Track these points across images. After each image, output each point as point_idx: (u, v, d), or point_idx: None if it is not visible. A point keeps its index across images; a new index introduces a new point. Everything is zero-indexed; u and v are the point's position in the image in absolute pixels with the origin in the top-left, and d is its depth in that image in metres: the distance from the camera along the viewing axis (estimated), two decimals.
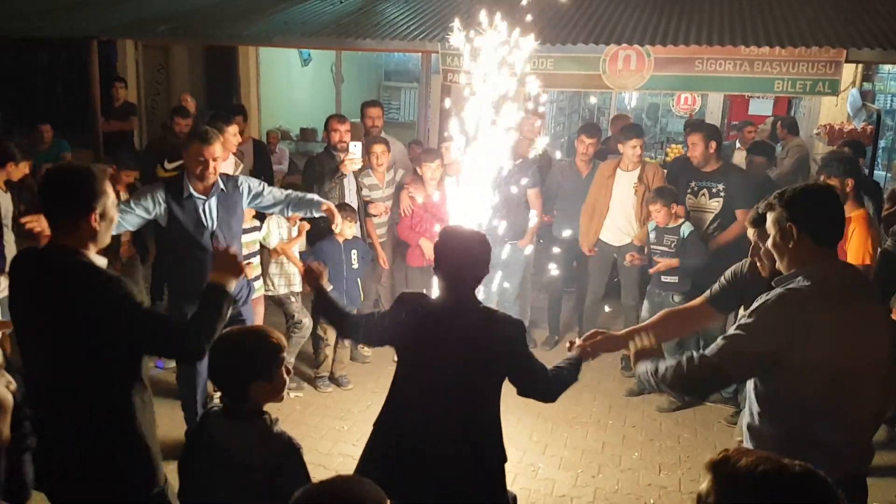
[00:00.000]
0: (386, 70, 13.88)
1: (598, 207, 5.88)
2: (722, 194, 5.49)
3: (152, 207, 4.05)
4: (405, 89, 13.75)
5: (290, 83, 12.07)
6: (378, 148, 5.80)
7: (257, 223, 5.27)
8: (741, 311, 2.92)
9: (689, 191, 5.60)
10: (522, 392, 2.93)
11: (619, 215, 5.83)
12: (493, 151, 4.27)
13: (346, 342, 5.57)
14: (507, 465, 4.51)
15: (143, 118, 10.47)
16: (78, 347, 2.47)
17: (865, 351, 2.38)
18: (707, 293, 3.25)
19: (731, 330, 2.50)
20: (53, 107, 10.92)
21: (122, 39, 9.87)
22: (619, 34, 6.40)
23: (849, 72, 8.68)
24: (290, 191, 4.59)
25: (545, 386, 2.93)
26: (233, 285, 2.73)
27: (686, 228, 5.32)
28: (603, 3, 7.36)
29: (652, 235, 5.43)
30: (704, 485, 1.51)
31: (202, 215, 4.14)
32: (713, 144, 5.50)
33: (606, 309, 6.23)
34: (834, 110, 9.73)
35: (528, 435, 4.92)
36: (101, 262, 2.60)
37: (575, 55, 6.18)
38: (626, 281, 5.95)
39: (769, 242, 2.56)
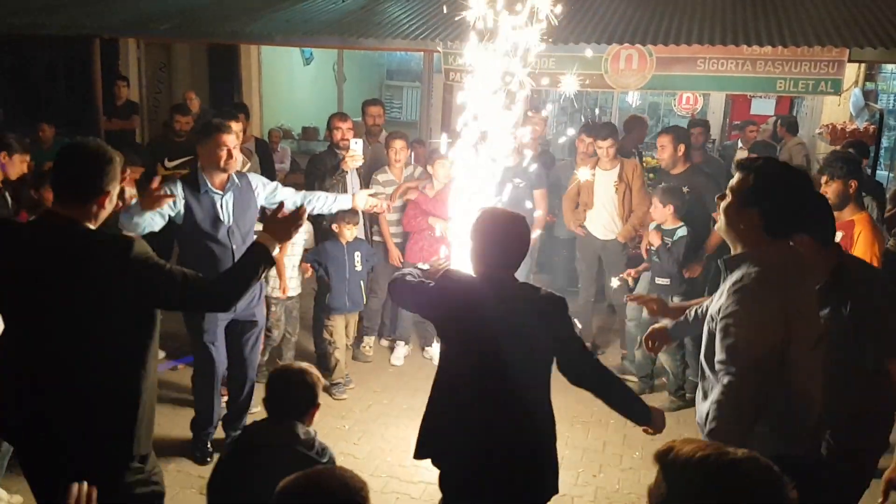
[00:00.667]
0: (388, 69, 13.91)
1: (582, 203, 5.92)
2: (686, 197, 5.52)
3: (172, 205, 4.00)
4: (407, 88, 13.79)
5: (292, 82, 12.09)
6: (398, 143, 5.75)
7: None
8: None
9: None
10: (564, 369, 2.87)
11: (603, 213, 5.85)
12: (495, 152, 4.28)
13: (348, 344, 5.57)
14: None
15: (144, 117, 10.47)
16: (99, 321, 2.50)
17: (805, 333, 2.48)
18: None
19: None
20: (55, 105, 10.94)
21: (124, 38, 9.88)
22: (621, 34, 6.40)
23: (851, 71, 8.67)
24: (303, 191, 4.61)
25: (586, 367, 2.88)
26: (277, 249, 2.83)
27: (680, 231, 5.30)
28: (605, 3, 7.36)
29: (653, 234, 5.41)
30: (653, 477, 1.53)
31: (219, 210, 4.11)
32: (681, 147, 5.55)
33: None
34: (836, 110, 9.72)
35: None
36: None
37: (577, 55, 6.17)
38: (611, 270, 5.92)
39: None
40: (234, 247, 4.13)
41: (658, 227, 5.34)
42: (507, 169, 5.46)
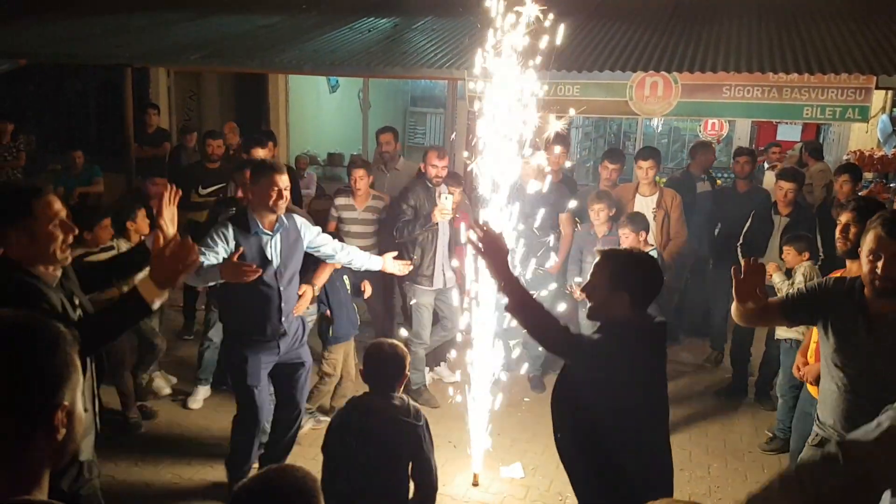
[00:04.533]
0: (412, 96, 14.03)
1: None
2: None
3: (226, 248, 3.93)
4: (431, 115, 13.89)
5: (319, 109, 12.24)
6: (358, 172, 5.80)
7: None
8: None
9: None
10: None
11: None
12: (514, 176, 4.32)
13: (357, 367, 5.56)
14: (533, 494, 4.54)
15: (174, 144, 10.65)
16: None
17: None
18: (781, 298, 3.26)
19: None
20: (86, 132, 11.16)
21: (155, 66, 10.07)
22: (646, 61, 6.42)
23: (879, 98, 8.61)
24: (344, 245, 4.57)
25: None
26: (157, 303, 2.67)
27: (652, 254, 5.31)
28: (630, 30, 7.39)
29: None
30: None
31: (268, 251, 4.06)
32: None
33: None
34: (864, 137, 9.64)
35: (555, 463, 4.84)
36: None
37: (601, 81, 6.21)
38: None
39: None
40: (281, 288, 4.11)
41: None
42: (530, 194, 5.49)
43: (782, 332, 5.05)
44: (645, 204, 5.84)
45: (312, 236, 4.36)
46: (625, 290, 2.74)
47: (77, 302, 2.79)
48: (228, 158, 7.88)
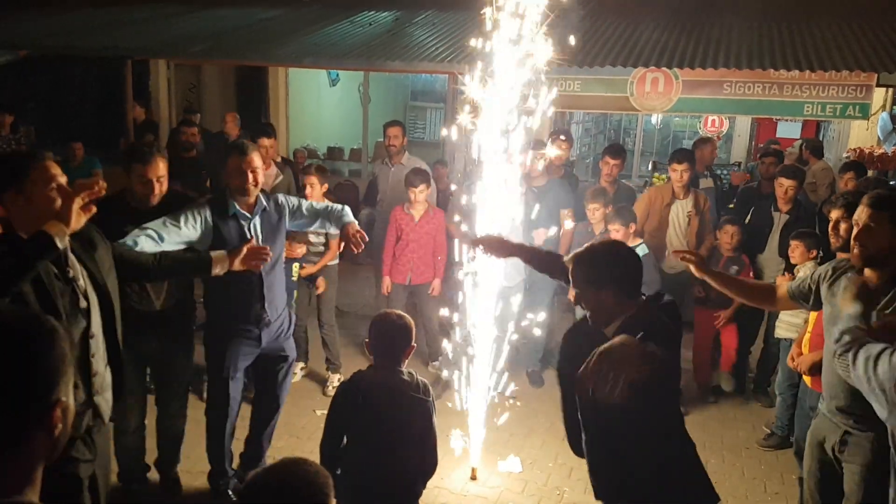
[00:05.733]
0: (412, 90, 14.04)
1: (657, 236, 5.80)
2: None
3: (199, 227, 3.77)
4: (431, 109, 13.90)
5: (319, 103, 12.24)
6: (312, 178, 5.59)
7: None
8: None
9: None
10: None
11: (676, 243, 5.78)
12: (511, 174, 4.32)
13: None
14: (531, 489, 4.55)
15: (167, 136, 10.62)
16: None
17: None
18: (790, 283, 3.39)
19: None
20: (85, 124, 11.13)
21: (155, 59, 10.05)
22: (647, 57, 6.42)
23: (879, 95, 8.61)
24: (327, 203, 4.36)
25: None
26: (63, 240, 2.59)
27: (640, 251, 5.29)
28: (630, 26, 7.39)
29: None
30: None
31: (247, 234, 3.90)
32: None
33: None
34: (864, 134, 9.64)
35: (552, 457, 4.88)
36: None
37: (602, 77, 6.21)
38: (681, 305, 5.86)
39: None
40: (262, 273, 3.92)
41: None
42: (532, 189, 5.50)
43: (781, 331, 5.06)
44: (681, 207, 5.76)
45: (291, 213, 4.13)
46: (608, 285, 2.58)
47: (71, 274, 2.73)
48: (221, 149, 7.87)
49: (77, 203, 2.61)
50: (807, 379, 4.03)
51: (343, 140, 12.10)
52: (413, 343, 3.14)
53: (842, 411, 3.06)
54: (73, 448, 2.78)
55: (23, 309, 1.39)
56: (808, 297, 3.30)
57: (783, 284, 3.47)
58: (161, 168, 3.78)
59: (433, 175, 6.98)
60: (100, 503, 2.91)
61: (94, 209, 2.73)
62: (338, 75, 12.24)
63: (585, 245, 2.74)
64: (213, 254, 3.36)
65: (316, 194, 5.55)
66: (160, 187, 3.78)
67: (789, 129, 11.50)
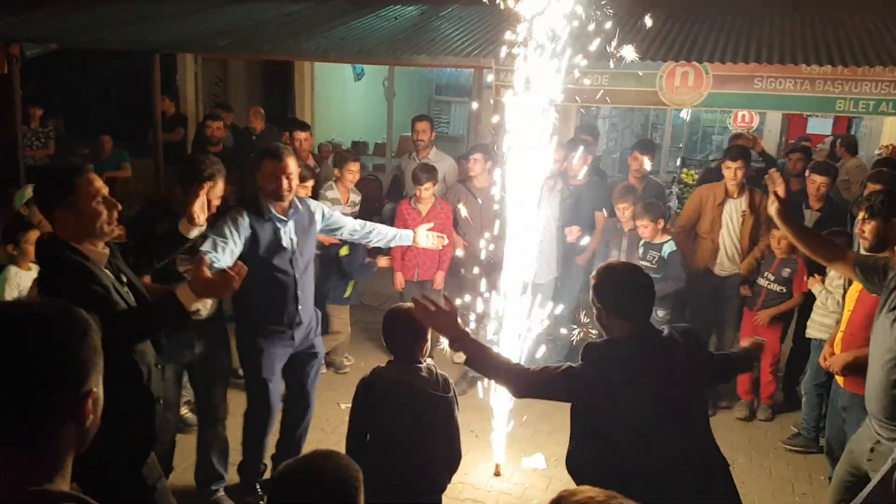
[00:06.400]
0: (437, 85, 14.00)
1: (709, 235, 5.62)
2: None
3: (239, 240, 3.74)
4: (455, 104, 13.86)
5: (344, 97, 12.26)
6: (354, 166, 5.85)
7: None
8: None
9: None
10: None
11: (729, 245, 5.58)
12: (540, 170, 4.30)
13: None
14: (556, 486, 4.51)
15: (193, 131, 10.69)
16: None
17: None
18: (858, 252, 3.48)
19: None
20: (112, 117, 11.25)
21: (183, 53, 10.13)
22: (678, 51, 6.34)
23: None
24: (366, 222, 4.43)
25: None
26: (196, 307, 2.68)
27: (668, 248, 5.22)
28: (660, 20, 7.30)
29: (640, 250, 5.35)
30: None
31: (282, 237, 3.89)
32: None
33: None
34: None
35: None
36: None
37: (630, 71, 6.13)
38: (727, 315, 5.69)
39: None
40: (297, 275, 3.95)
41: (644, 243, 5.28)
42: (569, 186, 5.46)
43: (814, 332, 4.97)
44: (734, 206, 5.53)
45: (326, 218, 4.19)
46: (607, 303, 2.75)
47: (125, 280, 2.82)
48: (250, 143, 7.92)
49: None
50: (839, 379, 3.96)
51: (367, 134, 12.12)
52: (427, 337, 3.08)
53: (880, 419, 3.00)
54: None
55: (57, 301, 1.40)
56: (870, 277, 3.29)
57: (850, 254, 3.49)
58: (292, 164, 3.85)
59: (458, 169, 6.97)
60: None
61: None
62: (363, 70, 12.24)
63: (608, 263, 2.93)
64: (179, 293, 2.74)
65: (355, 179, 5.76)
66: (290, 183, 3.84)
67: (820, 126, 11.32)
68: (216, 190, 3.70)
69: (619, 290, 2.75)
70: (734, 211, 5.53)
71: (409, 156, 6.71)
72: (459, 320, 2.88)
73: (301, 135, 6.47)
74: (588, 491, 1.42)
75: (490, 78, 6.96)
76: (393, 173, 9.82)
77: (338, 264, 5.68)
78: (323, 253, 5.60)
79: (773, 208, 3.38)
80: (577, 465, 2.76)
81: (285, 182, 3.81)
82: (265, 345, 3.98)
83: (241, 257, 3.70)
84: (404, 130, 10.76)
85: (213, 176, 3.66)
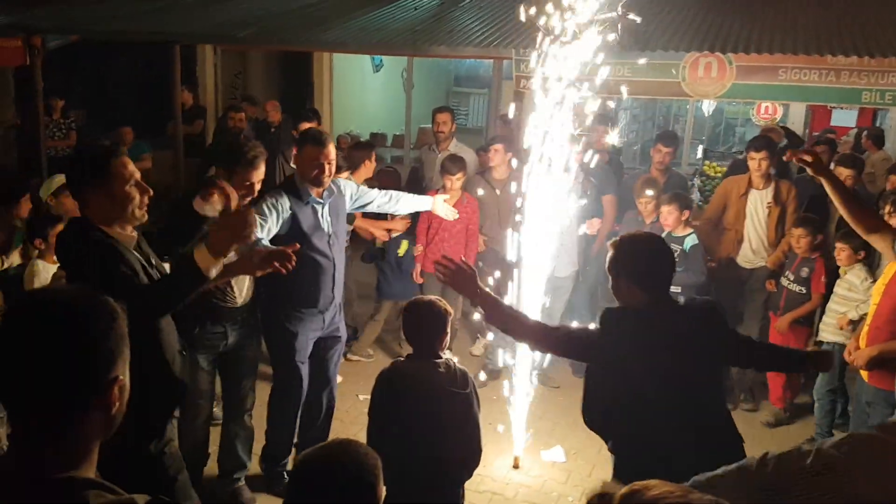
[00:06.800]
0: (456, 76, 13.96)
1: (733, 227, 5.57)
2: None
3: (280, 217, 3.79)
4: (474, 95, 13.81)
5: (362, 89, 12.24)
6: (374, 155, 5.82)
7: None
8: None
9: None
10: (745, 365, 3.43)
11: (754, 237, 5.53)
12: (560, 159, 4.28)
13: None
14: (575, 479, 4.50)
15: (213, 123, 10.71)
16: None
17: None
18: None
19: None
20: (132, 109, 11.30)
21: (202, 45, 10.14)
22: (700, 41, 6.25)
23: None
24: (390, 192, 4.49)
25: (761, 351, 3.24)
26: (213, 272, 2.60)
27: (690, 241, 5.14)
28: (683, 10, 7.21)
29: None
30: None
31: (320, 220, 3.95)
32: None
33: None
34: None
35: (597, 448, 4.80)
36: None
37: (652, 61, 6.06)
38: (750, 308, 5.63)
39: None
40: (336, 257, 4.01)
41: (667, 234, 5.21)
42: (590, 178, 5.43)
43: (828, 335, 4.88)
44: (759, 198, 5.46)
45: (354, 194, 4.26)
46: (623, 276, 2.76)
47: (153, 262, 2.84)
48: (268, 135, 7.93)
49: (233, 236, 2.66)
50: (863, 374, 3.91)
51: (386, 126, 12.10)
52: (447, 330, 3.09)
53: None
54: (171, 427, 2.92)
55: (85, 289, 1.40)
56: None
57: (891, 231, 3.44)
58: (333, 150, 3.92)
59: (478, 161, 6.94)
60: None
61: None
62: (381, 61, 12.21)
63: (629, 233, 2.90)
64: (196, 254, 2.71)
65: (369, 174, 5.73)
66: (331, 169, 3.90)
67: (844, 118, 11.15)
68: (258, 173, 3.71)
69: (638, 259, 2.76)
70: (759, 202, 5.47)
71: (429, 147, 6.70)
72: (479, 280, 2.88)
73: (304, 125, 6.34)
74: (662, 486, 1.39)
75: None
76: (411, 165, 9.81)
77: (374, 254, 5.77)
78: (374, 252, 5.71)
79: (808, 169, 3.35)
80: (590, 416, 2.89)
81: (326, 168, 3.86)
82: (299, 328, 3.99)
83: (279, 241, 3.71)
84: (423, 122, 10.73)
85: (256, 159, 3.68)
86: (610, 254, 2.82)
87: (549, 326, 2.97)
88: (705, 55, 6.15)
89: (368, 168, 5.74)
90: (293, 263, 3.17)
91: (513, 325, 2.89)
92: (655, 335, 2.67)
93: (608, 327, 2.74)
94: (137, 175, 2.70)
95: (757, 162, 5.39)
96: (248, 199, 3.65)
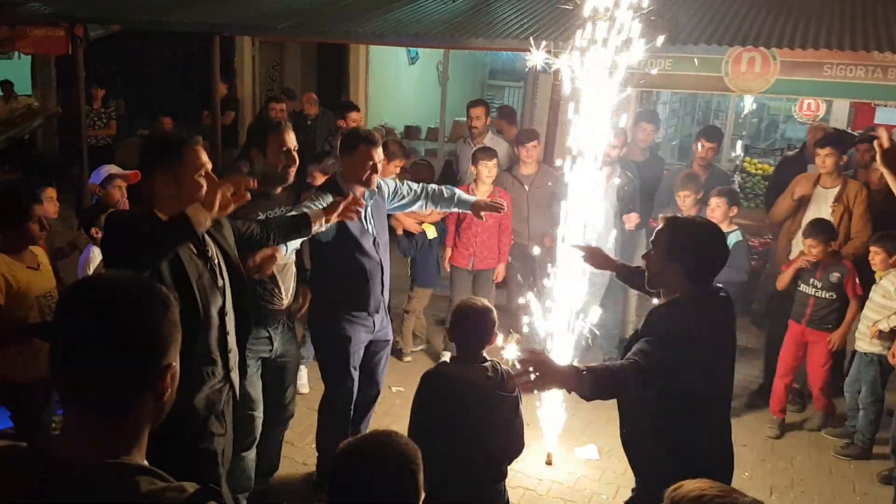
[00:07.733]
0: (491, 69, 13.89)
1: (793, 228, 5.43)
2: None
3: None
4: (509, 88, 13.74)
5: (397, 81, 12.24)
6: (400, 161, 5.57)
7: None
8: None
9: None
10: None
11: None
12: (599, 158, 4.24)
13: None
14: (608, 477, 4.46)
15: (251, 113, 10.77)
16: None
17: None
18: None
19: None
20: (172, 99, 11.43)
21: (242, 36, 10.21)
22: (744, 35, 6.14)
23: None
24: (424, 184, 4.32)
25: None
26: (200, 228, 2.59)
27: (734, 237, 5.01)
28: (726, 3, 7.09)
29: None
30: None
31: (364, 222, 3.83)
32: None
33: None
34: None
35: None
36: None
37: (695, 56, 5.97)
38: (776, 312, 5.45)
39: None
40: (381, 259, 3.91)
41: None
42: (627, 173, 5.39)
43: (864, 344, 4.76)
44: (823, 197, 5.30)
45: (392, 193, 4.12)
46: (678, 262, 2.64)
47: (209, 254, 2.82)
48: (305, 128, 7.97)
49: (222, 193, 2.63)
50: None
51: (420, 119, 12.09)
52: (496, 332, 3.06)
53: None
54: (211, 423, 2.86)
55: (139, 276, 1.43)
56: None
57: None
58: (381, 152, 3.82)
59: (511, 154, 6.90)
60: (223, 477, 2.98)
61: (248, 197, 2.79)
62: (417, 53, 12.19)
63: (688, 215, 2.86)
64: (311, 212, 3.29)
65: (396, 172, 5.53)
66: (380, 168, 3.83)
67: (888, 116, 10.87)
68: (290, 138, 3.62)
69: (700, 253, 2.65)
70: (823, 201, 5.29)
71: (464, 141, 6.67)
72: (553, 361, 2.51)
73: (354, 115, 6.59)
74: (699, 483, 1.40)
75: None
76: (445, 158, 9.79)
77: (411, 246, 5.76)
78: (410, 244, 5.68)
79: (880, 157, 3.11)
80: (637, 444, 2.88)
81: (379, 168, 3.80)
82: (352, 332, 3.90)
83: (326, 246, 3.74)
84: (457, 115, 10.70)
85: (280, 124, 3.66)
86: (663, 230, 2.70)
87: (596, 372, 2.51)
88: (749, 50, 6.04)
89: (396, 167, 5.50)
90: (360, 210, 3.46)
91: (603, 384, 2.50)
92: (709, 328, 2.65)
93: (666, 340, 2.54)
94: (209, 166, 2.70)
95: (822, 158, 5.24)
96: (293, 167, 3.61)
